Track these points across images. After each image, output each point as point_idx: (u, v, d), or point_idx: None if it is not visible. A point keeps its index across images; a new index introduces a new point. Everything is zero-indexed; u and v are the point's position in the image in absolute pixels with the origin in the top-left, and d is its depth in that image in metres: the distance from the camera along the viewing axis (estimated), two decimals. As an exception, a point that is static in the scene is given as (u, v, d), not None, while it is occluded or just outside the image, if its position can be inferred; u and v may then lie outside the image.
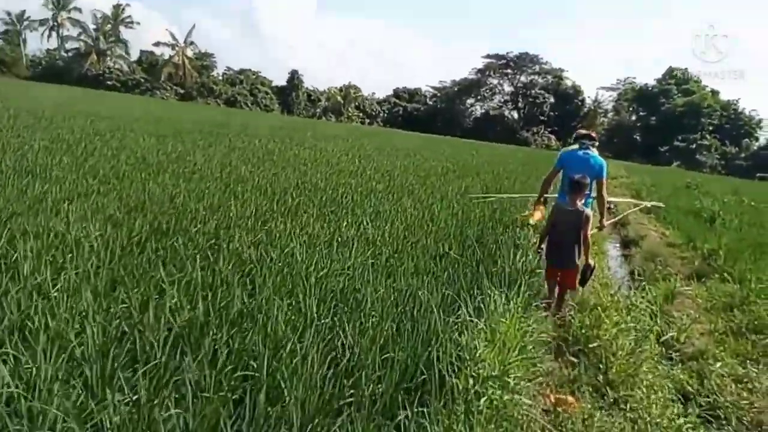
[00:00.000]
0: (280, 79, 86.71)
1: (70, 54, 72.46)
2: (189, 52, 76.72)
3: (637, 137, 72.99)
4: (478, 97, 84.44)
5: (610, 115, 79.01)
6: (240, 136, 17.48)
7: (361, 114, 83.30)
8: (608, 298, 5.14)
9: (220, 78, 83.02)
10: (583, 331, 4.27)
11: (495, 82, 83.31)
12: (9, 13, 73.72)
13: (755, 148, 66.80)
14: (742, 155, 65.63)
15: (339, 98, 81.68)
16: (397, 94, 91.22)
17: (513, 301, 4.16)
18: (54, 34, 72.76)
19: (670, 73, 72.76)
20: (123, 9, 74.37)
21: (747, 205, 16.06)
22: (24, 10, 73.72)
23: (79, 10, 72.49)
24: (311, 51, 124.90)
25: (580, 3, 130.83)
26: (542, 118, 78.55)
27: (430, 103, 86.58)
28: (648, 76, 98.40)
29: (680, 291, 6.09)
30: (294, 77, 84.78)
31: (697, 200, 14.88)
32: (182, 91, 71.28)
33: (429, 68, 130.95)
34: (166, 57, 73.81)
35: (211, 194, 6.86)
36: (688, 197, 16.61)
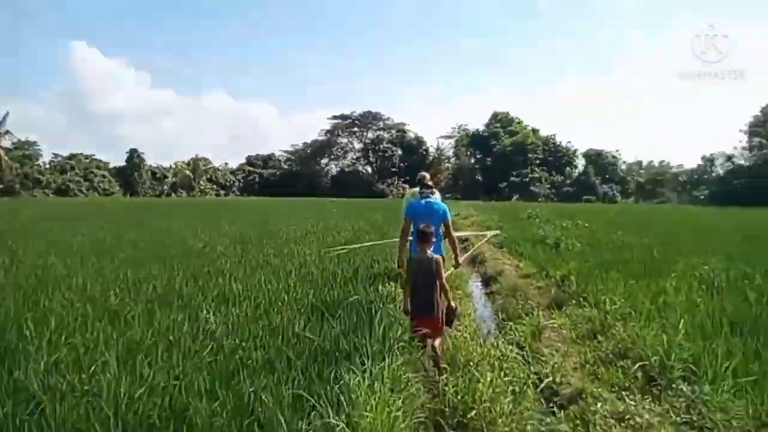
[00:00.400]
0: (119, 160, 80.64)
1: None
2: (6, 143, 67.99)
3: (479, 177, 79.86)
4: (332, 157, 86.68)
5: (452, 160, 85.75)
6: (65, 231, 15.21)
7: (214, 186, 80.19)
8: (479, 350, 4.83)
9: (47, 167, 74.72)
10: (459, 396, 3.83)
11: (345, 140, 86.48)
12: None
13: (576, 174, 76.71)
14: (567, 182, 74.90)
15: (188, 172, 77.94)
16: (250, 161, 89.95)
17: (379, 380, 3.60)
18: None
19: (495, 117, 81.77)
20: None
21: (582, 227, 17.75)
22: None
23: None
24: (148, 127, 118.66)
25: (412, 60, 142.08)
26: (394, 169, 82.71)
27: (286, 167, 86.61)
28: (478, 121, 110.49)
29: (545, 325, 6.06)
30: (133, 156, 79.40)
31: (540, 229, 16.06)
32: (1, 186, 62.30)
33: (280, 134, 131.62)
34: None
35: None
36: (532, 227, 17.93)
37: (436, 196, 5.99)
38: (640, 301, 6.24)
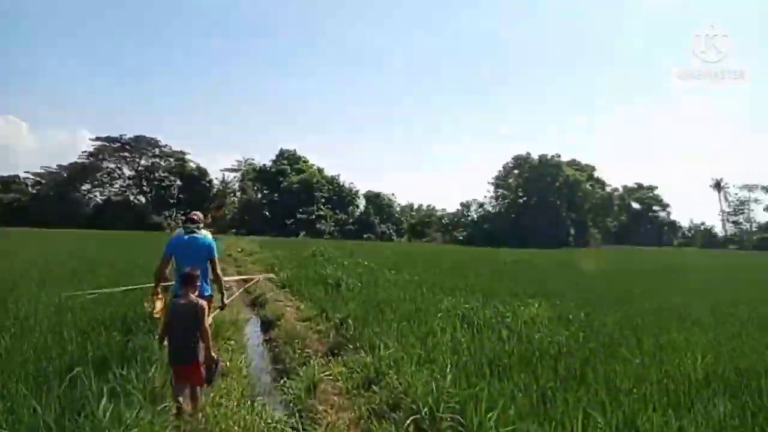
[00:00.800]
0: None
1: None
2: None
3: (266, 213, 78.98)
4: (96, 183, 75.94)
5: (238, 194, 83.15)
6: None
7: None
8: (243, 421, 4.21)
9: None
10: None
11: (112, 165, 76.88)
12: None
13: (358, 213, 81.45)
14: (350, 221, 78.90)
15: None
16: (-17, 183, 73.21)
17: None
18: None
19: (283, 154, 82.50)
20: None
21: (362, 264, 18.43)
22: None
23: None
24: None
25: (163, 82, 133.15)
26: (172, 200, 76.39)
27: (34, 191, 72.80)
28: (265, 155, 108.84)
29: (320, 378, 5.70)
30: None
31: (323, 268, 16.11)
32: None
33: (30, 154, 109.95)
34: None
35: None
36: (316, 265, 17.95)
37: (203, 232, 5.69)
38: (410, 344, 6.38)
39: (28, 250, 19.95)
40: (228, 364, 5.72)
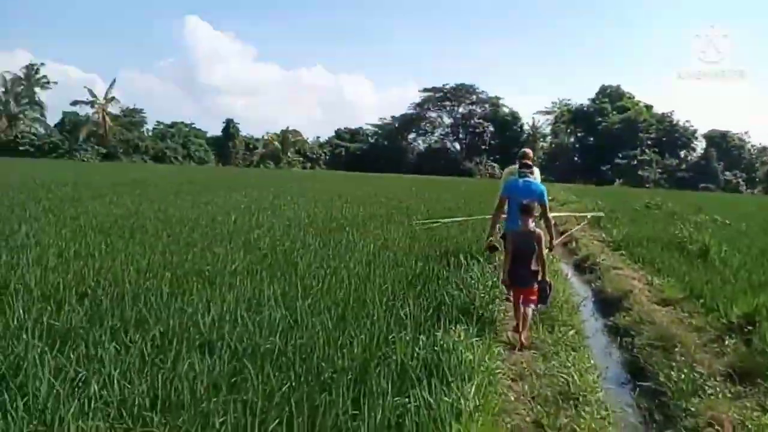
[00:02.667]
0: (216, 130, 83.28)
1: (-23, 121, 66.62)
2: (114, 108, 72.33)
3: (577, 158, 73.30)
4: (420, 132, 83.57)
5: (549, 138, 79.43)
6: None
7: (301, 159, 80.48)
8: None
9: (149, 134, 78.69)
10: None
11: (434, 115, 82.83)
12: None
13: (694, 158, 67.95)
14: (682, 167, 66.54)
15: (276, 144, 78.77)
16: (338, 135, 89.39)
17: None
18: (-39, 100, 67.03)
19: (604, 91, 74.00)
20: (37, 69, 69.64)
21: (721, 224, 13.83)
22: None
23: (-12, 72, 67.20)
24: (250, 100, 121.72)
25: (508, 26, 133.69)
26: (484, 147, 78.20)
27: (372, 141, 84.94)
28: (582, 96, 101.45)
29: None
30: (229, 126, 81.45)
31: (671, 225, 12.47)
32: (104, 151, 66.40)
33: (373, 108, 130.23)
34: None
35: None
36: (655, 222, 14.25)
37: (535, 176, 6.09)
38: None
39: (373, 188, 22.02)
40: (577, 378, 3.73)
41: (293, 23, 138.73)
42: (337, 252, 7.11)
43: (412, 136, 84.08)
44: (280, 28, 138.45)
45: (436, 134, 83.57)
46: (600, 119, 70.30)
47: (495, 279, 6.20)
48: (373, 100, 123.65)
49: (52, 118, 72.58)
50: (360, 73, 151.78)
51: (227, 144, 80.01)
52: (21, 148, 61.52)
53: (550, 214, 6.10)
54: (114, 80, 73.36)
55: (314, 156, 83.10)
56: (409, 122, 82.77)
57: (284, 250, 6.97)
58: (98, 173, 27.50)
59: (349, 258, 6.72)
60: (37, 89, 69.75)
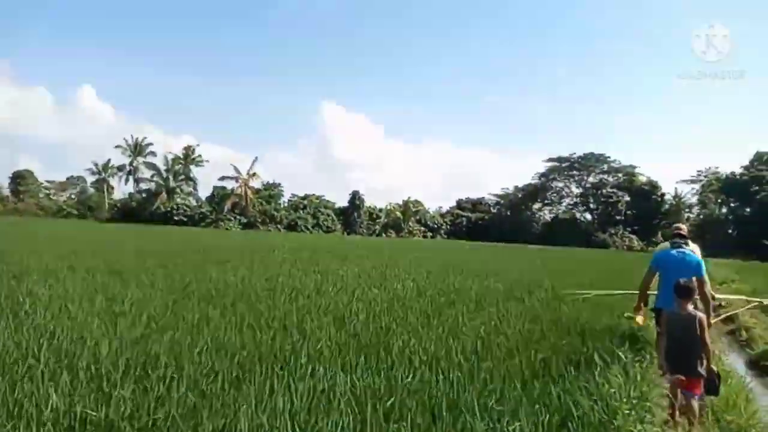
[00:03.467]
0: (343, 201, 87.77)
1: (143, 195, 77.37)
2: (256, 183, 79.82)
3: (732, 231, 64.46)
4: (545, 202, 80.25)
5: (695, 209, 71.45)
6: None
7: (422, 228, 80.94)
8: None
9: (285, 205, 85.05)
10: None
11: (560, 185, 79.42)
12: (96, 164, 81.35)
13: None
14: None
15: (398, 213, 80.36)
16: (460, 205, 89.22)
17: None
18: (131, 178, 78.90)
19: (760, 158, 65.61)
20: (193, 150, 79.89)
21: None
22: (109, 159, 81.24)
23: (154, 154, 78.79)
24: (376, 173, 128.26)
25: (643, 96, 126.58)
26: (618, 217, 72.44)
27: (494, 211, 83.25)
28: (731, 164, 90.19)
29: None
30: (355, 197, 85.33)
31: None
32: (245, 221, 72.72)
33: (492, 177, 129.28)
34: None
35: None
36: None
37: (691, 248, 5.80)
38: None
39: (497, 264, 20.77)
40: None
41: (418, 103, 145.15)
42: (440, 334, 6.13)
43: (537, 206, 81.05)
44: (405, 107, 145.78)
45: (563, 204, 79.74)
46: (757, 188, 61.85)
47: (645, 387, 4.82)
48: (495, 170, 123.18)
49: (204, 192, 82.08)
50: (483, 146, 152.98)
51: (353, 214, 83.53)
52: (176, 218, 69.75)
53: (715, 294, 6.06)
54: (256, 158, 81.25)
55: (435, 225, 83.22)
56: (533, 192, 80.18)
57: (379, 329, 6.17)
58: (229, 240, 29.50)
59: (453, 342, 5.71)
60: (192, 167, 79.82)
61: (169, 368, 4.08)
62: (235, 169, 77.09)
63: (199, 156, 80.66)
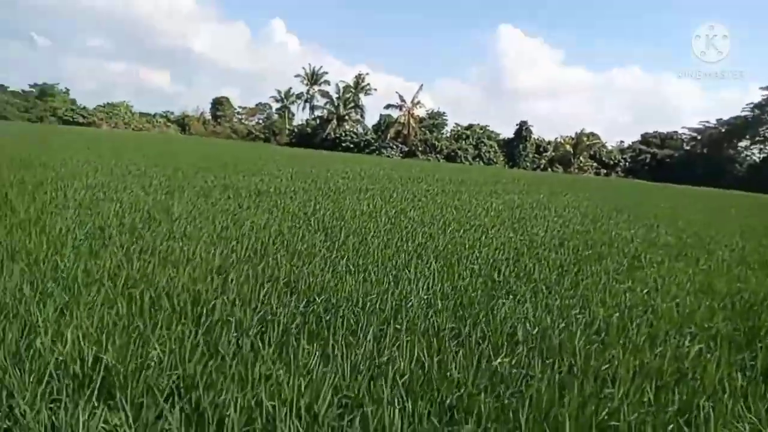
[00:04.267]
0: (510, 132, 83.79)
1: (317, 121, 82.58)
2: (421, 112, 79.83)
3: None
4: (756, 139, 66.72)
5: None
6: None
7: (595, 164, 73.77)
8: None
9: (447, 135, 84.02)
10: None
11: (780, 117, 64.94)
12: (279, 91, 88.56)
13: None
14: None
15: (568, 147, 74.06)
16: (645, 139, 79.04)
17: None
18: (308, 105, 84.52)
19: None
20: (363, 78, 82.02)
21: None
22: (290, 88, 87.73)
23: (328, 82, 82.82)
24: (552, 103, 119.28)
25: None
26: None
27: (687, 148, 71.99)
28: None
29: None
30: (522, 128, 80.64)
31: None
32: (406, 149, 73.67)
33: (697, 112, 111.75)
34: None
35: None
36: None
37: None
38: None
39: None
40: None
41: (604, 26, 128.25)
42: (569, 303, 4.92)
43: (743, 144, 67.94)
44: (589, 32, 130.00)
45: (782, 142, 65.65)
46: None
47: None
48: (697, 102, 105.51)
49: (371, 120, 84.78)
50: (680, 72, 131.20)
51: (518, 146, 79.28)
52: (344, 144, 73.45)
53: None
54: (421, 86, 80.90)
55: (611, 162, 75.25)
56: (741, 127, 67.10)
57: (487, 286, 5.17)
58: (378, 167, 29.72)
59: (581, 316, 4.51)
60: (361, 95, 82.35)
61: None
62: (400, 97, 77.65)
63: (368, 84, 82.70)
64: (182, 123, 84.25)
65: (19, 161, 12.37)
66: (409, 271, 5.40)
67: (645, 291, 5.64)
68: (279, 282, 4.59)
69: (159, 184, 10.82)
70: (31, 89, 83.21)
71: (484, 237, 7.97)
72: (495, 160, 77.43)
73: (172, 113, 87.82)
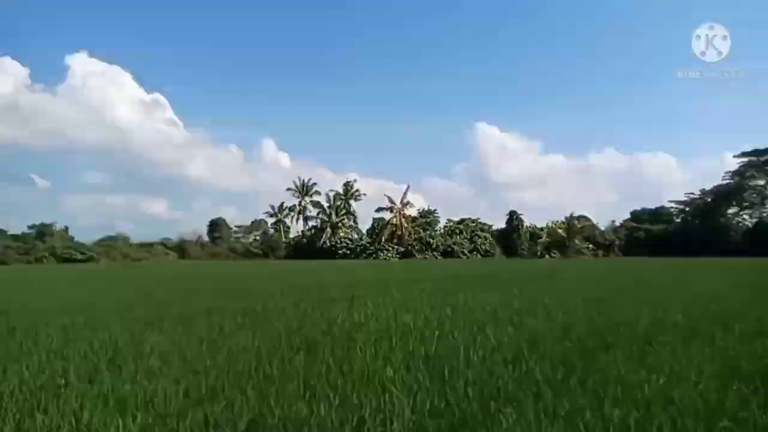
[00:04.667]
0: (501, 223, 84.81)
1: (311, 231, 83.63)
2: (412, 211, 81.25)
3: None
4: (744, 205, 67.68)
5: None
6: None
7: (590, 246, 73.83)
8: None
9: (440, 232, 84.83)
10: None
11: (761, 182, 66.38)
12: (272, 206, 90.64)
13: None
14: None
15: (560, 231, 74.57)
16: (635, 216, 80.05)
17: None
18: (300, 217, 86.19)
19: None
20: (351, 185, 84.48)
21: None
22: (282, 202, 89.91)
23: (319, 192, 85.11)
24: (538, 191, 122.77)
25: None
26: None
27: (678, 221, 72.70)
28: None
29: None
30: (512, 218, 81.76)
31: None
32: (402, 249, 73.84)
33: (676, 185, 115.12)
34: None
35: None
36: None
37: None
38: None
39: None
40: None
41: (574, 115, 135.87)
42: (574, 409, 4.34)
43: (732, 210, 68.77)
44: (559, 121, 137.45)
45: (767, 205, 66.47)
46: None
47: None
48: (676, 175, 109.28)
49: (364, 224, 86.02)
50: (658, 149, 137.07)
51: (512, 236, 79.80)
52: (340, 251, 73.70)
53: None
54: (408, 186, 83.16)
55: (607, 242, 75.42)
56: (726, 195, 68.30)
57: (480, 399, 4.60)
58: (372, 270, 29.41)
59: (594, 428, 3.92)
60: (351, 201, 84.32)
61: None
62: (389, 199, 79.45)
63: (357, 191, 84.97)
64: (181, 248, 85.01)
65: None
66: (396, 388, 4.84)
67: (661, 380, 5.06)
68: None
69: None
70: (30, 230, 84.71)
71: (478, 337, 7.42)
72: (491, 251, 77.45)
73: (170, 240, 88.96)
